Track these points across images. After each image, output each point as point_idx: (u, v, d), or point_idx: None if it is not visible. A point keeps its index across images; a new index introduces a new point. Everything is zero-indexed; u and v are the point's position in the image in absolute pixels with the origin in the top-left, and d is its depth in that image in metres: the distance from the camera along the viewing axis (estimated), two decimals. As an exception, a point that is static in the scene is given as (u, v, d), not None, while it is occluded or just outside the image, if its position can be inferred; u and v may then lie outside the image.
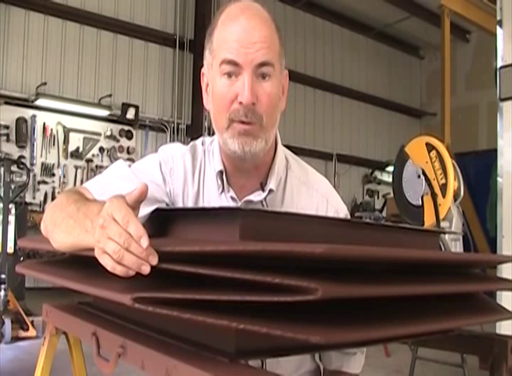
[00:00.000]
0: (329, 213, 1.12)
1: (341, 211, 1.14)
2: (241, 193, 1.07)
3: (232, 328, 0.60)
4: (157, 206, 0.97)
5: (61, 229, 0.85)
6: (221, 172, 1.06)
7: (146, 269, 0.66)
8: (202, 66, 1.08)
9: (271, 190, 1.06)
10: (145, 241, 0.66)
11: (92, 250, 0.72)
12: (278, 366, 1.00)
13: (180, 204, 1.08)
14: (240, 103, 0.97)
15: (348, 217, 1.16)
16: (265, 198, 1.06)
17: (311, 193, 1.12)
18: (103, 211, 0.71)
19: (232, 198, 1.06)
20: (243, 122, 0.98)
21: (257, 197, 1.06)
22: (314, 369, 1.16)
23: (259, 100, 0.97)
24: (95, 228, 0.72)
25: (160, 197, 1.04)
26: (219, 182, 1.07)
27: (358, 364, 1.14)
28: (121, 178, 1.04)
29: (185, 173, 1.09)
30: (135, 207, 0.74)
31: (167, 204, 1.05)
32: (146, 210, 0.93)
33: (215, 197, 1.08)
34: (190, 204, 1.08)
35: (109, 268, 0.69)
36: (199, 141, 1.16)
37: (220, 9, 1.04)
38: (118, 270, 0.68)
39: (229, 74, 0.98)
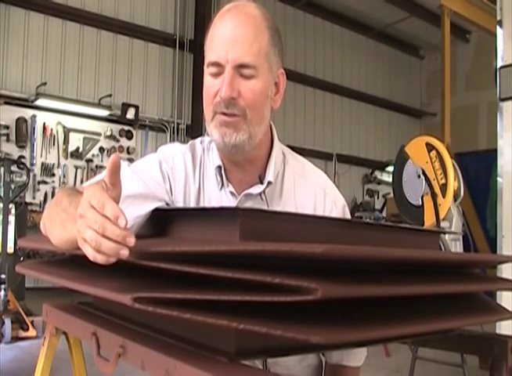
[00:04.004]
0: (327, 204, 1.13)
1: (339, 202, 1.15)
2: (240, 188, 1.08)
3: (232, 328, 0.60)
4: (158, 204, 0.98)
5: (57, 224, 0.85)
6: (219, 167, 1.08)
7: (124, 254, 0.66)
8: (202, 66, 1.10)
9: (269, 183, 1.08)
10: (122, 220, 0.66)
11: None
12: (280, 361, 1.01)
13: (182, 203, 1.08)
14: (221, 97, 1.00)
15: (346, 208, 1.18)
16: (263, 191, 1.07)
17: (309, 185, 1.13)
18: (82, 199, 0.71)
19: (232, 193, 1.08)
20: (224, 114, 1.01)
21: (255, 190, 1.07)
22: (316, 363, 1.17)
23: (241, 95, 1.00)
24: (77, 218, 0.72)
25: (161, 194, 1.04)
26: (218, 177, 1.09)
27: (359, 357, 1.14)
28: (122, 176, 1.04)
29: (186, 172, 1.10)
30: (114, 182, 0.74)
31: (167, 204, 1.05)
32: (147, 207, 0.94)
33: (215, 193, 1.09)
34: (192, 202, 1.09)
35: (90, 257, 0.68)
36: (198, 140, 1.17)
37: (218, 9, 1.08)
38: (99, 259, 0.67)
39: (215, 75, 1.01)
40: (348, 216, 1.19)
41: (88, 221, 0.68)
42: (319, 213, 1.11)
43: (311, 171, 1.17)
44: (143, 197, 0.97)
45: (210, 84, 1.02)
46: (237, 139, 1.01)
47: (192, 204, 1.09)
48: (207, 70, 1.03)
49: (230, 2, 1.05)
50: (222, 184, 1.08)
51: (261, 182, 1.08)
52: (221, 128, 1.01)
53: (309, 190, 1.13)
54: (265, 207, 1.06)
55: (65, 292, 1.26)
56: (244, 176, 1.09)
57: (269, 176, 1.08)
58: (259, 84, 1.01)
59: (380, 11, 9.17)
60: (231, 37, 0.99)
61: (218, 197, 1.09)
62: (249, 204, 1.08)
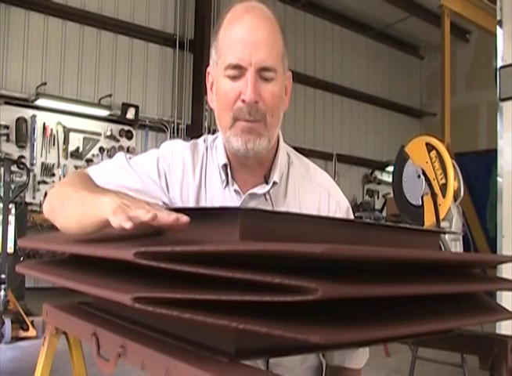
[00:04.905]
0: (331, 205, 1.13)
1: (343, 203, 1.15)
2: (245, 187, 1.08)
3: (232, 328, 0.60)
4: (151, 201, 0.98)
5: (71, 201, 0.84)
6: (225, 166, 1.07)
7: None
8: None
9: (274, 183, 1.07)
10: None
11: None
12: (281, 362, 1.01)
13: (179, 200, 1.08)
14: (243, 101, 0.97)
15: (350, 210, 1.17)
16: (268, 191, 1.07)
17: (313, 186, 1.13)
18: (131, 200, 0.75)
19: (236, 192, 1.07)
20: (246, 120, 0.99)
21: (260, 189, 1.07)
22: (317, 364, 1.16)
23: (262, 99, 0.98)
24: (115, 202, 0.72)
25: (156, 192, 1.05)
26: (223, 176, 1.08)
27: (360, 359, 1.14)
28: (122, 168, 1.07)
29: (184, 168, 1.09)
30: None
31: (165, 203, 1.05)
32: None
33: (219, 191, 1.08)
34: (191, 199, 1.08)
35: (124, 219, 0.68)
36: (201, 138, 1.17)
37: (227, 8, 1.05)
38: (146, 217, 0.68)
39: (234, 77, 0.99)
40: (352, 218, 1.19)
41: (137, 205, 0.71)
42: (323, 214, 1.11)
43: (316, 172, 1.17)
44: (138, 192, 0.98)
45: (229, 87, 0.99)
46: (260, 146, 1.01)
47: (190, 202, 1.08)
48: (224, 73, 0.99)
49: (237, 3, 1.03)
50: (227, 183, 1.08)
51: (267, 183, 1.08)
52: (243, 135, 1.00)
53: (313, 191, 1.13)
54: (269, 208, 1.06)
55: (65, 292, 1.26)
56: (250, 176, 1.09)
57: (275, 176, 1.07)
58: (276, 87, 1.00)
59: (380, 11, 9.17)
60: (254, 39, 0.97)
61: (222, 195, 1.08)
62: (253, 204, 1.07)
